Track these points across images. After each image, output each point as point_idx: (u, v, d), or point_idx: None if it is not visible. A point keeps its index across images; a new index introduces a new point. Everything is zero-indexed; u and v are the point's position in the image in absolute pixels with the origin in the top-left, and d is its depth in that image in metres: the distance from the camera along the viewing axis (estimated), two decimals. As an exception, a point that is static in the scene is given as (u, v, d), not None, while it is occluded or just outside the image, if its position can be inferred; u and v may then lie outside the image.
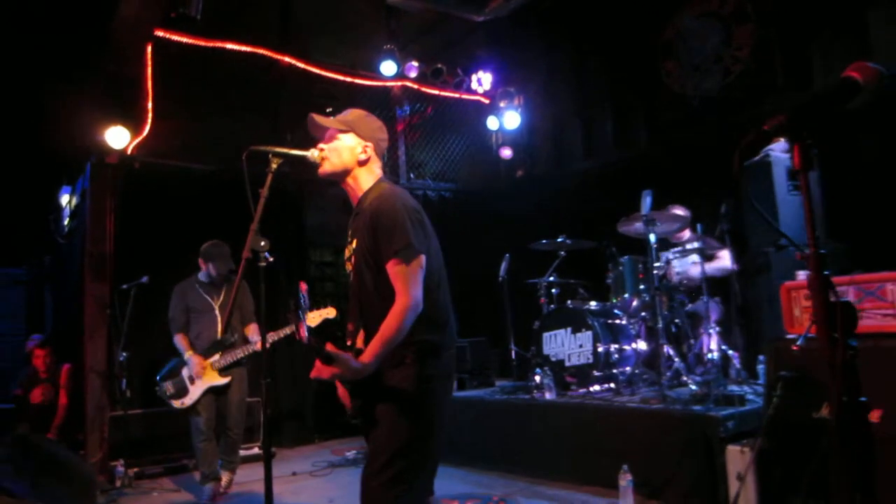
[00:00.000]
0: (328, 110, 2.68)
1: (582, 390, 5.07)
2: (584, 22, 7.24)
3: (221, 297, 4.92)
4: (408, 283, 2.19)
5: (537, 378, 5.19)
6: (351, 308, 2.49)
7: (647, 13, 6.74)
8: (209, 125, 6.40)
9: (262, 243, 2.43)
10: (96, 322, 5.76)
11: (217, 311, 4.88)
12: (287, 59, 7.01)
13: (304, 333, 2.06)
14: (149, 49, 5.95)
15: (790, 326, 3.38)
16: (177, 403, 4.74)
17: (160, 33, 5.96)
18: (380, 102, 7.87)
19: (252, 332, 4.89)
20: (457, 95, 8.14)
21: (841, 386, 1.08)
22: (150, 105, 6.02)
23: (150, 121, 6.01)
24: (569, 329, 5.28)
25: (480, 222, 7.78)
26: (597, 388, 5.03)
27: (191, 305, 4.86)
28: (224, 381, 4.74)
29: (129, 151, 5.93)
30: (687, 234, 5.32)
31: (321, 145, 2.51)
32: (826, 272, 1.15)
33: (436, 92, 8.00)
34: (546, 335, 5.45)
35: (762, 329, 4.60)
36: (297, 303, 2.12)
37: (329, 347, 2.19)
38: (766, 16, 5.85)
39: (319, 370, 2.18)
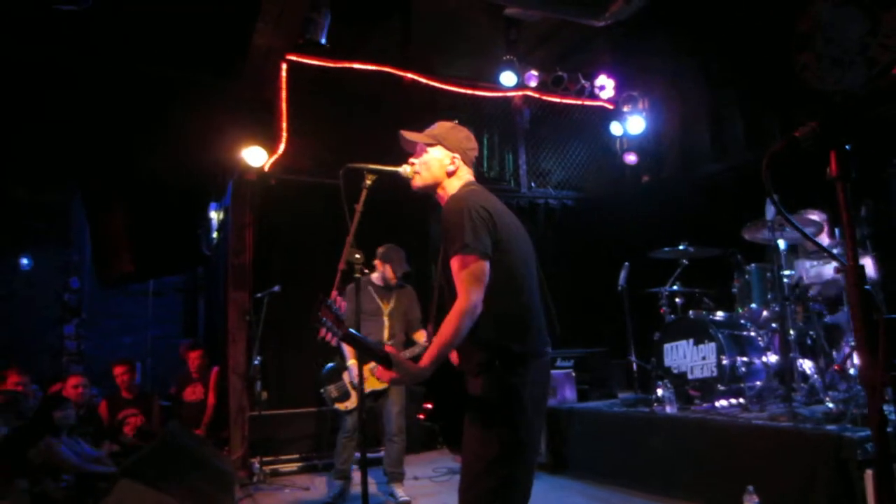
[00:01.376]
0: (455, 121, 2.74)
1: (706, 405, 4.78)
2: (710, 19, 6.83)
3: (392, 303, 4.95)
4: (464, 284, 2.15)
5: (659, 391, 4.96)
6: (431, 312, 2.52)
7: (779, 5, 6.24)
8: (339, 142, 6.73)
9: (357, 255, 2.55)
10: (237, 328, 6.26)
11: (385, 317, 4.90)
12: (410, 76, 7.26)
13: (332, 339, 2.11)
14: (282, 73, 6.42)
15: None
16: (341, 407, 4.82)
17: (292, 58, 6.41)
18: (502, 113, 7.95)
19: (421, 338, 4.89)
20: (579, 102, 8.00)
21: (878, 407, 0.96)
22: (284, 125, 6.49)
23: (284, 140, 6.47)
24: (691, 340, 5.00)
25: (604, 230, 7.59)
26: (722, 402, 4.72)
27: (363, 307, 4.71)
28: (383, 385, 4.74)
29: (266, 169, 6.40)
30: (825, 240, 4.85)
31: (412, 160, 2.59)
32: (867, 287, 1.02)
33: (557, 100, 7.93)
34: (667, 346, 5.20)
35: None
36: (330, 311, 2.15)
37: (388, 350, 2.24)
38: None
39: (381, 374, 2.21)
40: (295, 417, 6.23)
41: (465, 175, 2.53)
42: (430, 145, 2.53)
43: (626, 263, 5.87)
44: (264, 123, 6.38)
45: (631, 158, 7.90)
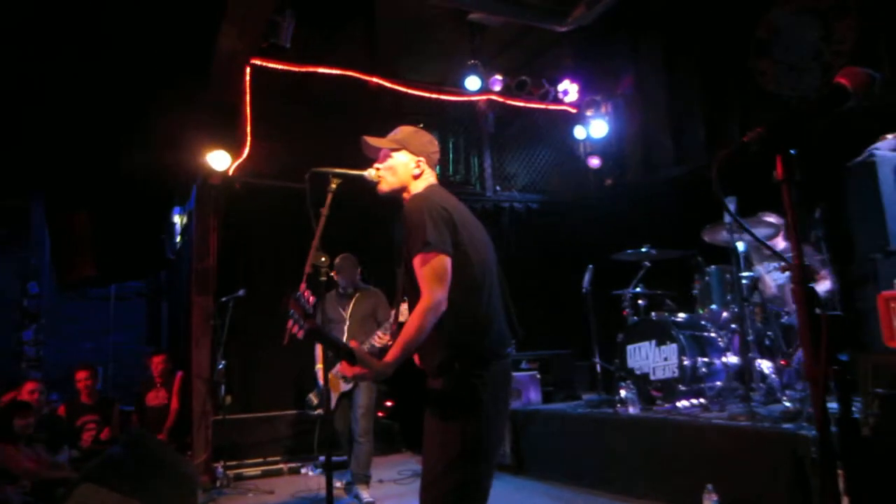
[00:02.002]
0: (418, 125, 2.77)
1: (668, 405, 4.88)
2: (672, 25, 7.01)
3: (350, 308, 5.04)
4: (427, 282, 2.16)
5: (622, 392, 5.06)
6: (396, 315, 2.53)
7: (738, 12, 6.43)
8: (304, 146, 6.70)
9: (323, 259, 2.56)
10: (201, 332, 6.19)
11: (346, 322, 4.99)
12: (375, 80, 7.27)
13: (299, 332, 2.13)
14: (246, 77, 6.38)
15: (890, 339, 3.12)
16: (322, 412, 4.90)
17: (257, 62, 6.37)
18: (467, 117, 8.01)
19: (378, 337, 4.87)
20: (542, 106, 8.11)
21: (820, 402, 1.02)
22: (248, 129, 6.44)
23: (249, 144, 6.43)
24: (653, 342, 5.11)
25: (568, 233, 7.71)
26: (684, 403, 4.82)
27: (328, 316, 4.93)
28: (348, 386, 4.83)
29: (230, 173, 6.34)
30: (780, 243, 5.01)
31: (377, 165, 2.61)
32: (811, 284, 1.08)
33: (521, 104, 8.02)
34: (630, 348, 5.30)
35: (871, 342, 4.25)
36: (298, 304, 2.17)
37: (353, 346, 2.25)
38: (870, 8, 5.43)
39: (344, 369, 2.22)
40: (259, 422, 6.20)
41: (429, 178, 2.56)
42: (395, 150, 2.56)
43: (590, 266, 5.96)
44: (229, 127, 6.32)
45: (594, 162, 8.03)
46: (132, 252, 7.26)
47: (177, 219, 7.56)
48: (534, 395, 6.05)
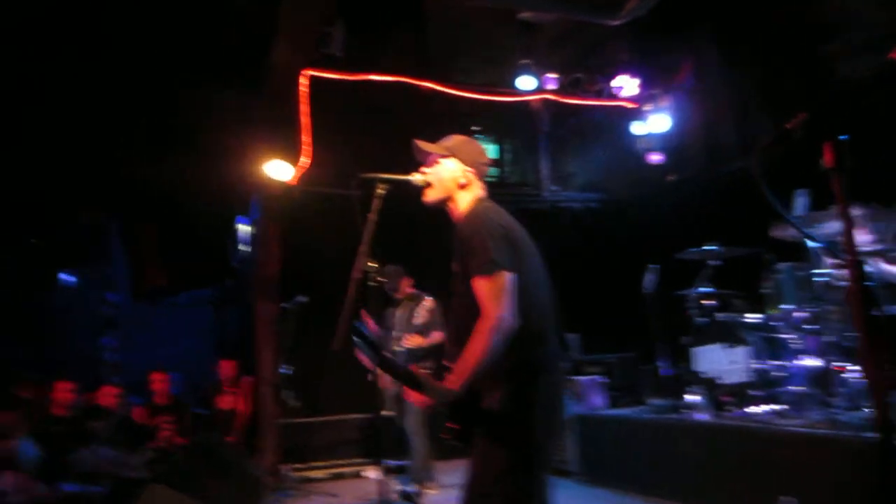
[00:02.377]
0: (473, 128, 2.76)
1: (739, 411, 4.66)
2: (729, 12, 6.71)
3: (397, 315, 5.34)
4: (492, 301, 2.15)
5: (690, 397, 4.87)
6: (450, 331, 2.51)
7: (799, -5, 6.10)
8: (360, 152, 6.78)
9: (371, 264, 2.58)
10: (266, 338, 6.36)
11: (395, 329, 5.29)
12: (427, 84, 7.29)
13: (368, 362, 2.15)
14: (302, 88, 6.52)
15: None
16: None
17: (311, 72, 6.50)
18: (521, 117, 7.94)
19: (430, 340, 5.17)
20: (598, 103, 7.94)
21: (881, 407, 0.92)
22: (306, 138, 6.58)
23: (307, 153, 6.57)
24: (721, 344, 4.90)
25: (629, 232, 7.50)
26: (756, 409, 4.60)
27: (386, 324, 5.37)
28: (392, 388, 5.07)
29: (290, 182, 6.50)
30: (865, 236, 4.67)
31: (424, 169, 2.60)
32: (869, 283, 0.98)
33: (576, 102, 7.87)
34: (696, 351, 5.10)
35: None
36: (360, 334, 2.19)
37: (414, 370, 2.25)
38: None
39: (410, 395, 2.25)
40: (325, 425, 6.30)
41: (477, 190, 2.52)
42: (445, 157, 2.54)
43: (653, 266, 5.78)
44: (287, 137, 6.48)
45: (655, 158, 7.79)
46: (198, 262, 7.55)
47: (241, 228, 7.79)
48: (598, 400, 5.92)
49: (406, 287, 5.40)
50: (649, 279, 5.76)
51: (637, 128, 7.89)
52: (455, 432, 2.29)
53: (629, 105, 8.01)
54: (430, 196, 2.52)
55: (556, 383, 2.33)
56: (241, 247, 7.78)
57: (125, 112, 6.43)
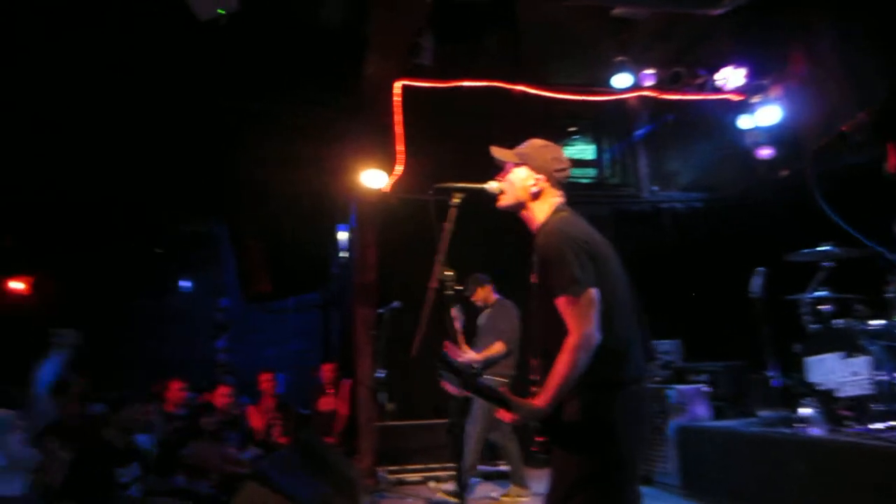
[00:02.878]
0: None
1: (859, 427, 4.26)
2: (844, -7, 6.18)
3: (482, 321, 5.42)
4: (577, 319, 2.15)
5: (803, 410, 4.52)
6: (533, 342, 2.49)
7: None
8: (454, 159, 6.81)
9: (448, 273, 2.59)
10: (364, 342, 6.54)
11: (479, 333, 5.36)
12: (520, 88, 7.24)
13: (453, 389, 2.19)
14: (395, 98, 6.66)
15: None
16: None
17: (403, 83, 6.63)
18: (618, 116, 7.71)
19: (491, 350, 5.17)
20: (701, 97, 7.54)
21: None
22: (400, 147, 6.73)
23: (401, 161, 6.71)
24: (839, 353, 4.50)
25: (735, 233, 7.07)
26: (879, 424, 4.19)
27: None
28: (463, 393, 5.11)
29: (385, 190, 6.66)
30: None
31: (501, 176, 2.59)
32: None
33: (677, 97, 7.52)
34: (811, 360, 4.72)
35: None
36: (445, 363, 2.24)
37: (502, 391, 2.28)
38: None
39: (502, 415, 2.27)
40: (421, 429, 6.37)
41: (553, 198, 2.48)
42: (517, 164, 2.52)
43: (761, 268, 5.42)
44: (383, 147, 6.65)
45: (764, 152, 7.30)
46: (301, 268, 7.92)
47: (341, 235, 8.10)
48: (701, 411, 5.62)
49: (485, 295, 5.37)
50: (757, 282, 5.40)
51: (744, 121, 7.42)
52: (544, 445, 2.30)
53: (735, 98, 7.56)
54: (502, 202, 2.53)
55: (639, 393, 2.27)
56: (342, 253, 8.09)
57: (234, 128, 6.85)
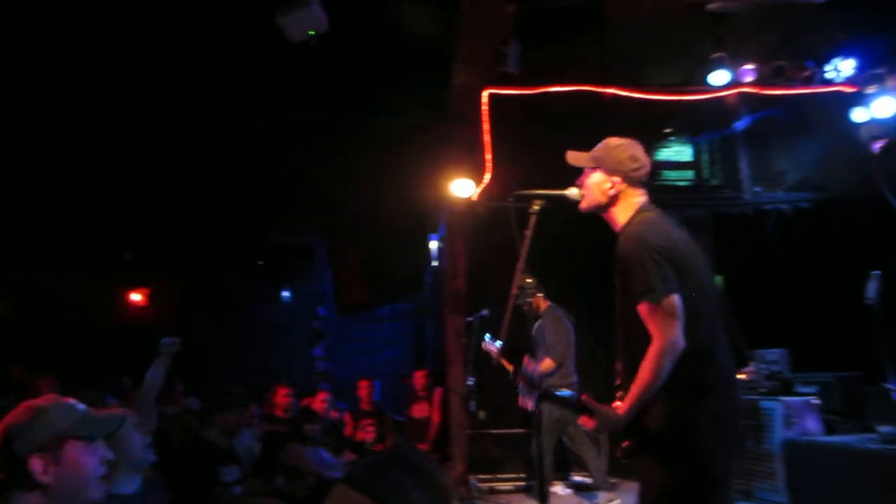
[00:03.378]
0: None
1: None
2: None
3: (534, 332, 5.29)
4: (659, 326, 2.11)
5: (929, 426, 4.13)
6: (617, 346, 2.44)
7: None
8: (543, 165, 6.74)
9: (528, 280, 2.58)
10: (454, 350, 6.60)
11: (533, 345, 5.25)
12: (610, 91, 7.08)
13: (529, 404, 2.19)
14: (483, 107, 6.69)
15: None
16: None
17: (490, 91, 6.65)
18: (716, 115, 7.37)
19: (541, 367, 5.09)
20: (807, 91, 7.07)
21: None
22: (488, 156, 6.75)
23: (489, 169, 6.73)
24: (971, 365, 4.09)
25: (848, 235, 6.58)
26: None
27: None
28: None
29: (474, 198, 6.70)
30: None
31: (579, 181, 2.57)
32: None
33: (780, 92, 7.09)
34: (936, 371, 4.31)
35: None
36: (524, 377, 2.23)
37: (584, 399, 2.26)
38: None
39: (584, 421, 2.26)
40: (512, 438, 6.32)
41: (634, 198, 2.43)
42: (592, 168, 2.49)
43: (877, 272, 5.01)
44: (471, 156, 6.70)
45: (880, 146, 6.74)
46: (394, 278, 8.11)
47: (433, 244, 8.22)
48: (812, 425, 5.24)
49: (537, 303, 5.24)
50: (872, 287, 5.00)
51: (858, 114, 6.89)
52: (628, 451, 2.26)
53: (847, 89, 7.04)
54: (583, 205, 2.52)
55: (728, 401, 2.20)
56: (434, 262, 8.21)
57: (328, 143, 7.14)
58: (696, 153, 8.08)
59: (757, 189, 7.17)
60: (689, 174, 8.12)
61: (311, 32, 4.56)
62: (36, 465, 1.60)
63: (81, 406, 1.75)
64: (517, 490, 5.97)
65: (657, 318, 2.11)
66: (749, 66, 6.93)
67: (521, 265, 2.57)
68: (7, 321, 9.51)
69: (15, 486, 1.61)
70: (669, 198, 7.65)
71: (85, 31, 5.26)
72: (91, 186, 7.43)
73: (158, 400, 3.80)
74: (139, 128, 6.65)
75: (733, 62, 6.92)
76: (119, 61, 5.56)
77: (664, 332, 2.08)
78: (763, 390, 5.51)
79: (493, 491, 5.88)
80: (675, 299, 2.11)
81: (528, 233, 2.57)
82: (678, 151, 8.25)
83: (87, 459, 1.69)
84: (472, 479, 5.86)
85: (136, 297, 9.70)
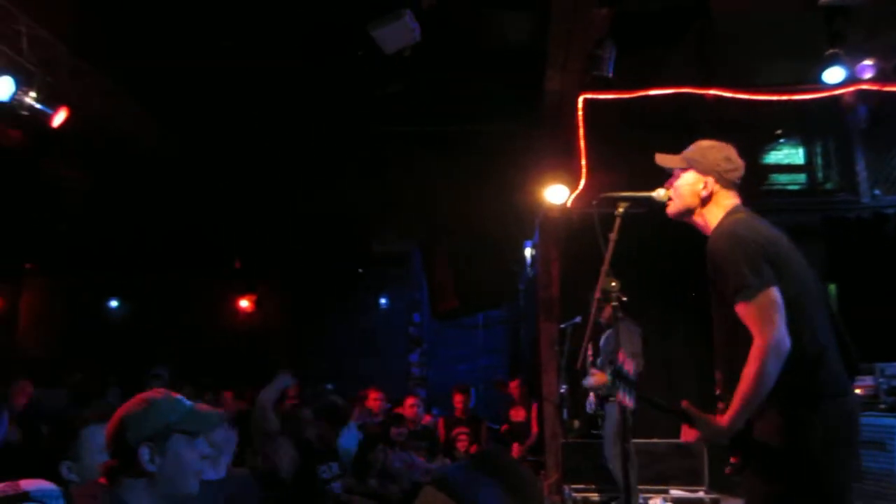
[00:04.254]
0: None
1: None
2: None
3: (601, 343, 5.31)
4: (759, 324, 1.97)
5: None
6: (716, 353, 2.34)
7: None
8: (640, 170, 6.61)
9: (613, 284, 2.56)
10: (548, 358, 6.56)
11: (601, 355, 5.31)
12: (714, 92, 6.80)
13: (629, 402, 2.11)
14: (578, 112, 6.62)
15: None
16: None
17: (585, 96, 6.57)
18: (831, 115, 6.91)
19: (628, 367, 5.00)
20: (939, 86, 6.48)
21: None
22: (583, 161, 6.66)
23: (584, 175, 6.65)
24: None
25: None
26: None
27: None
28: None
29: (568, 205, 6.64)
30: None
31: (668, 184, 2.52)
32: None
33: (904, 88, 6.54)
34: None
35: None
36: (619, 375, 2.16)
37: (685, 405, 2.12)
38: None
39: (686, 433, 2.14)
40: (602, 448, 6.19)
41: (726, 200, 2.34)
42: (683, 169, 2.43)
43: None
44: (566, 162, 6.65)
45: None
46: (487, 285, 8.16)
47: (527, 252, 8.21)
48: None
49: (609, 313, 5.10)
50: None
51: None
52: (737, 466, 2.11)
53: (983, 84, 6.40)
54: (671, 209, 2.46)
55: (844, 410, 2.02)
56: (528, 269, 8.19)
57: (422, 152, 7.31)
58: (809, 155, 7.60)
59: (876, 192, 6.65)
60: (801, 177, 7.64)
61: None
62: (144, 453, 1.72)
63: (188, 402, 1.87)
64: (611, 500, 5.83)
65: (756, 316, 1.97)
66: (868, 63, 6.45)
67: (605, 268, 2.54)
68: (129, 320, 10.52)
69: (126, 473, 1.74)
70: (779, 202, 7.25)
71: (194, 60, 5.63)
72: (208, 201, 7.99)
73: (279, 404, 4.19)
74: (249, 147, 7.09)
75: (850, 59, 6.47)
76: (228, 79, 5.94)
77: (765, 330, 1.93)
78: (883, 406, 5.09)
79: (587, 501, 5.77)
80: (774, 292, 1.97)
81: (613, 236, 2.54)
82: (789, 154, 7.79)
83: (189, 453, 1.79)
84: (567, 488, 5.78)
85: (244, 303, 10.34)
